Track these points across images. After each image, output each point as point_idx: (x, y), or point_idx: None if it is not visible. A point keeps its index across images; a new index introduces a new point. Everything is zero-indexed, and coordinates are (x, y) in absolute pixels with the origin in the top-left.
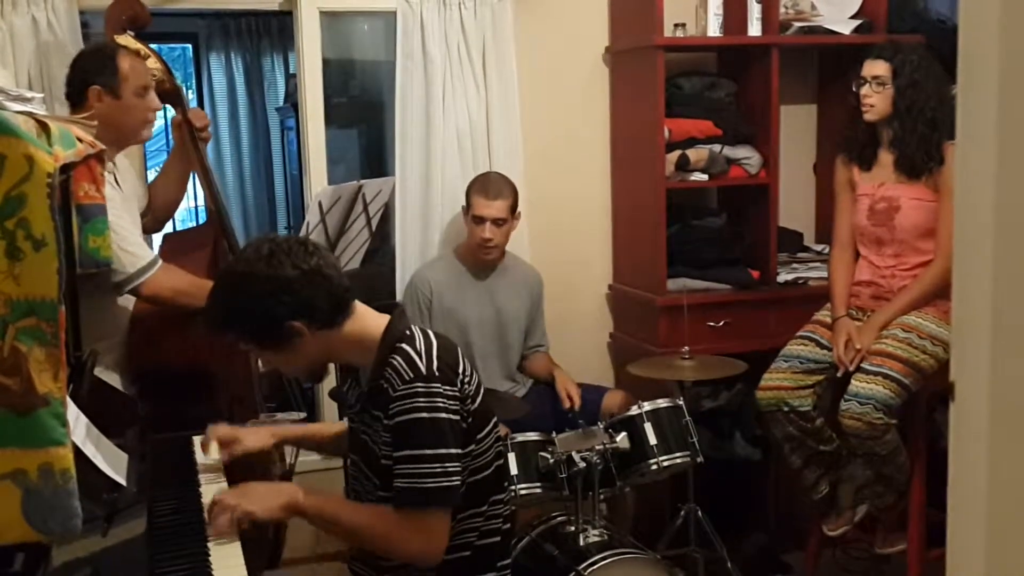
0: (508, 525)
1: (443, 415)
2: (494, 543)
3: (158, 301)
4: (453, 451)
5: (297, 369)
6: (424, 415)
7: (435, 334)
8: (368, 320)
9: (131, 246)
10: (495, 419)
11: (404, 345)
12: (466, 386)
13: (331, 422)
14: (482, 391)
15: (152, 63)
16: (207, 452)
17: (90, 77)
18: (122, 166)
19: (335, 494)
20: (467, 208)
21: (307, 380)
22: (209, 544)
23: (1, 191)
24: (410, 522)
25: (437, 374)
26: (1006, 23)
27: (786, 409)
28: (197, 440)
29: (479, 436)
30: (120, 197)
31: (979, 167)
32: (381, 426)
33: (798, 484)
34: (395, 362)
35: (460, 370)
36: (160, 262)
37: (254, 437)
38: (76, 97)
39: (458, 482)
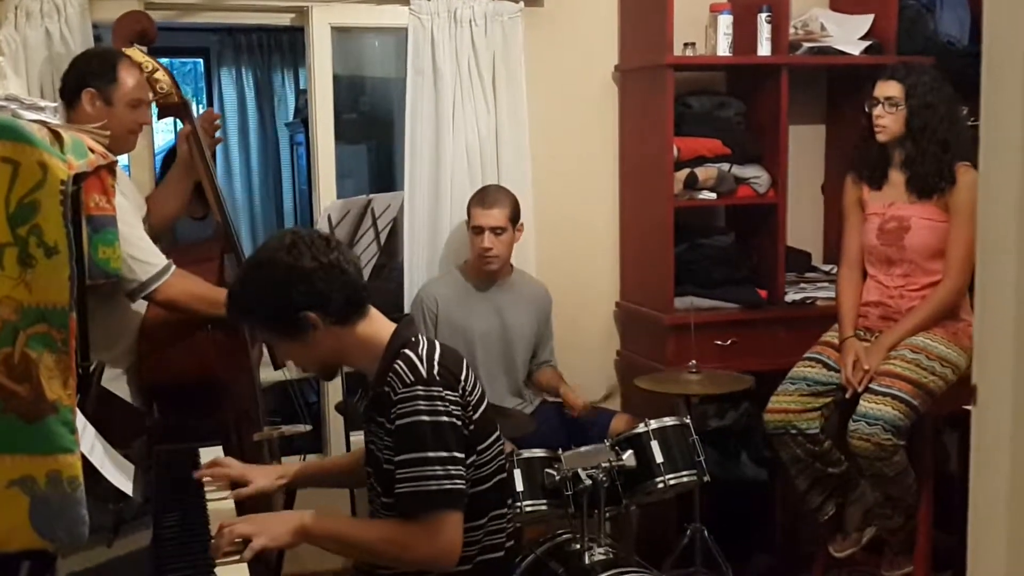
0: (511, 542)
1: (444, 418)
2: (496, 559)
3: (172, 306)
4: (456, 454)
5: (309, 363)
6: (425, 418)
7: (440, 343)
8: (379, 326)
9: (143, 253)
10: (498, 434)
11: (407, 350)
12: (468, 394)
13: (340, 454)
14: (485, 403)
15: (160, 76)
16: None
17: (88, 79)
18: (119, 176)
19: (339, 513)
20: (468, 221)
21: (319, 376)
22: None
23: (14, 198)
24: (421, 528)
25: (438, 378)
26: None
27: (794, 431)
28: (204, 452)
29: (480, 447)
30: (129, 205)
31: (1003, 171)
32: (384, 432)
33: (805, 505)
34: (397, 367)
35: (462, 376)
36: (174, 267)
37: (264, 478)
38: (70, 96)
39: (462, 485)
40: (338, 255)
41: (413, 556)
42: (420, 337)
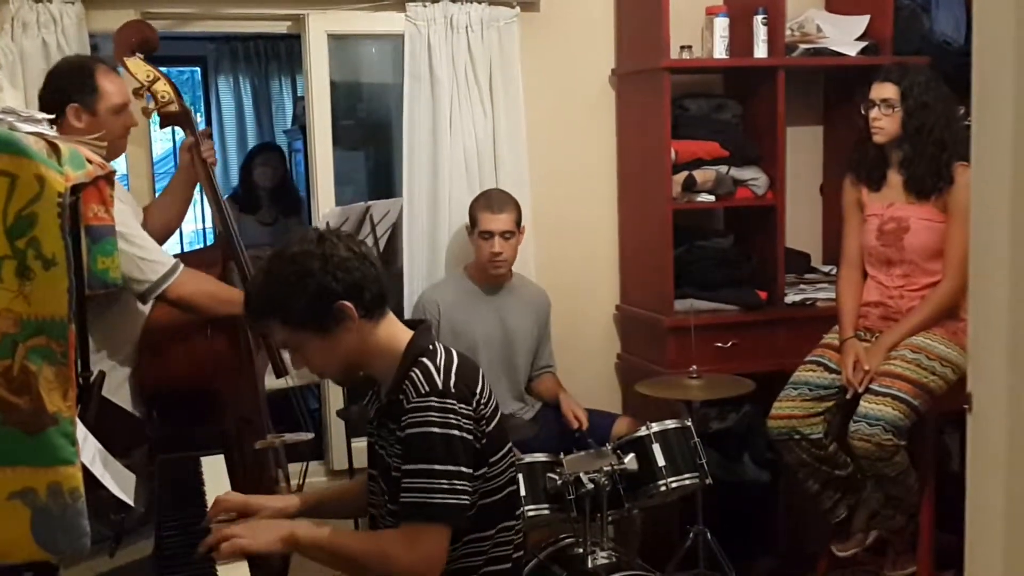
0: (520, 553)
1: (455, 432)
2: (504, 569)
3: (184, 304)
4: (463, 469)
5: (331, 364)
6: (436, 430)
7: (458, 353)
8: (396, 329)
9: (150, 254)
10: (510, 445)
11: (424, 359)
12: (482, 407)
13: (345, 481)
14: (499, 415)
15: (161, 86)
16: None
17: (69, 94)
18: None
19: (333, 525)
20: (472, 226)
21: (337, 381)
22: (217, 566)
23: (12, 210)
24: (407, 536)
25: (453, 391)
26: (1021, 46)
27: (798, 437)
28: (205, 461)
29: (492, 460)
30: (128, 209)
31: (995, 180)
32: (395, 439)
33: (814, 507)
34: (413, 375)
35: (477, 390)
36: (183, 266)
37: (271, 503)
38: (52, 112)
39: (466, 501)
40: (366, 248)
41: (393, 564)
42: (438, 345)
